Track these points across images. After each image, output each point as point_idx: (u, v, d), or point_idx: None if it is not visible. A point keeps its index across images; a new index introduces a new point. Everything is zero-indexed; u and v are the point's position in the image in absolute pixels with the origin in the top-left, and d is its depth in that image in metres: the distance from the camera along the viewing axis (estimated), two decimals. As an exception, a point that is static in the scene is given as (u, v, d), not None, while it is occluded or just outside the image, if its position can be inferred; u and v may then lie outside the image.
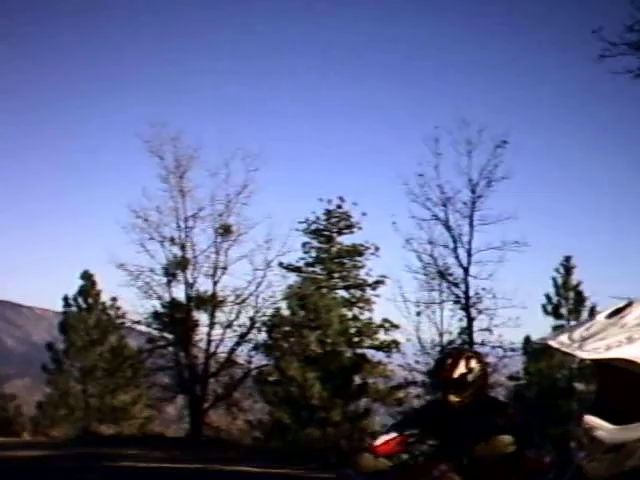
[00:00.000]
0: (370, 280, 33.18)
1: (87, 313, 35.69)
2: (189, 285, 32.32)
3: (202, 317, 32.33)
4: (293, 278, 32.89)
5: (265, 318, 32.08)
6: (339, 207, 33.87)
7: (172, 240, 32.34)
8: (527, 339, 27.96)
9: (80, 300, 36.67)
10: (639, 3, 20.41)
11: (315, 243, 34.02)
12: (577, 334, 2.02)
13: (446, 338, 29.52)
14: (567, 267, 30.37)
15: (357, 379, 29.71)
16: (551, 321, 29.17)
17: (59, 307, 37.79)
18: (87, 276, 38.35)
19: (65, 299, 37.09)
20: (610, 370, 2.03)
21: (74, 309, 36.19)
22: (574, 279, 30.22)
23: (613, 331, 2.01)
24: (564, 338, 2.03)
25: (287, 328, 31.40)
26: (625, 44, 20.56)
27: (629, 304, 2.09)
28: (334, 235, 33.92)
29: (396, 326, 31.20)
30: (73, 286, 37.98)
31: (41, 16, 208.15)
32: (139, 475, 21.97)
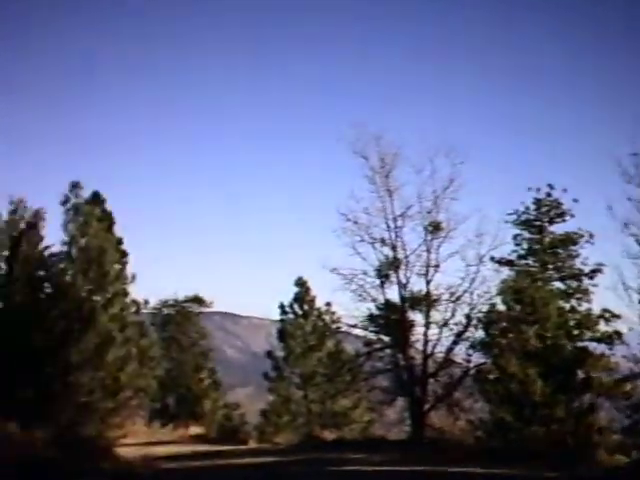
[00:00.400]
0: (586, 269, 32.04)
1: (303, 319, 36.52)
2: (402, 285, 32.34)
3: (417, 317, 32.27)
4: (506, 272, 32.13)
5: (481, 315, 31.59)
6: (549, 195, 32.82)
7: (382, 241, 32.43)
8: None
9: (296, 307, 37.56)
10: None
11: (526, 234, 33.09)
12: None
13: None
14: None
15: (580, 373, 28.78)
16: None
17: (276, 315, 38.77)
18: (301, 283, 39.23)
19: (281, 307, 38.10)
20: None
21: (290, 316, 37.11)
22: None
23: None
24: None
25: (504, 324, 30.76)
26: None
27: None
28: (545, 225, 32.95)
29: (617, 316, 29.90)
30: (289, 293, 38.90)
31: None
32: (365, 478, 22.11)
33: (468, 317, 31.53)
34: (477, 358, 31.44)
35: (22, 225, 25.60)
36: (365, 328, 32.93)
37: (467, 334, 31.51)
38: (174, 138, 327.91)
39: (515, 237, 32.93)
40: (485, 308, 31.62)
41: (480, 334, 31.52)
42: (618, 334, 29.78)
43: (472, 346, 31.39)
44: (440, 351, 31.76)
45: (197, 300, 44.19)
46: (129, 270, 29.49)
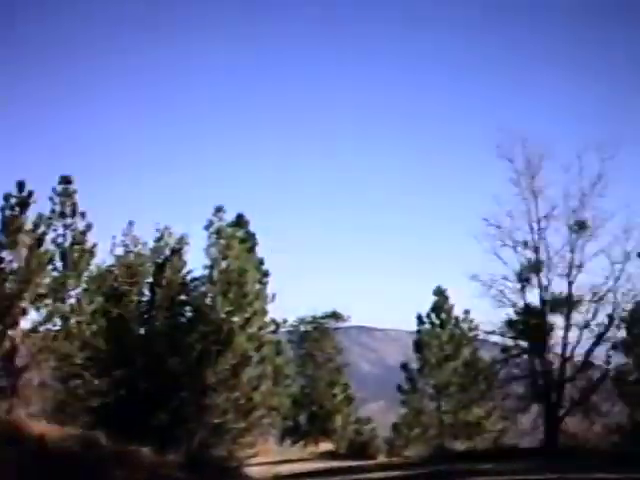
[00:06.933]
0: None
1: (440, 329, 36.62)
2: (543, 288, 32.09)
3: (557, 320, 31.89)
4: (652, 268, 31.55)
5: (624, 314, 31.15)
6: None
7: (525, 244, 32.38)
8: None
9: (433, 316, 37.71)
10: None
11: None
12: None
13: None
14: None
15: None
16: None
17: (413, 327, 39.07)
18: (440, 292, 39.39)
19: (419, 317, 38.29)
20: None
21: (427, 326, 37.29)
22: None
23: None
24: None
25: (649, 323, 30.30)
26: None
27: None
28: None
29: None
30: (426, 304, 39.12)
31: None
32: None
33: (610, 317, 31.04)
34: (618, 359, 31.09)
35: (167, 252, 26.72)
36: (503, 334, 32.82)
37: (608, 335, 30.99)
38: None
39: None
40: (629, 307, 31.20)
41: (622, 334, 31.18)
42: None
43: (613, 347, 30.97)
44: (579, 354, 31.26)
45: (334, 315, 44.98)
46: (269, 289, 30.96)
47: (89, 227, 25.61)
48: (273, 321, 31.90)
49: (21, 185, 24.29)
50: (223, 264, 27.36)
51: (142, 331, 26.31)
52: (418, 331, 38.71)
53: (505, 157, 32.28)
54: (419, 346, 38.05)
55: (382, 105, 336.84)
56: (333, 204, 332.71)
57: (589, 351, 31.18)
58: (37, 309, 24.69)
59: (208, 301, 26.95)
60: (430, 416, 35.97)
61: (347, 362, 44.48)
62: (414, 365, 38.36)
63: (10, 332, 24.00)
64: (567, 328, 31.41)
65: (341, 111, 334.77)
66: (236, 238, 27.96)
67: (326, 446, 36.06)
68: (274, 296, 30.89)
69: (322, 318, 45.16)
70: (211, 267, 27.30)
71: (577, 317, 31.42)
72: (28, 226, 24.47)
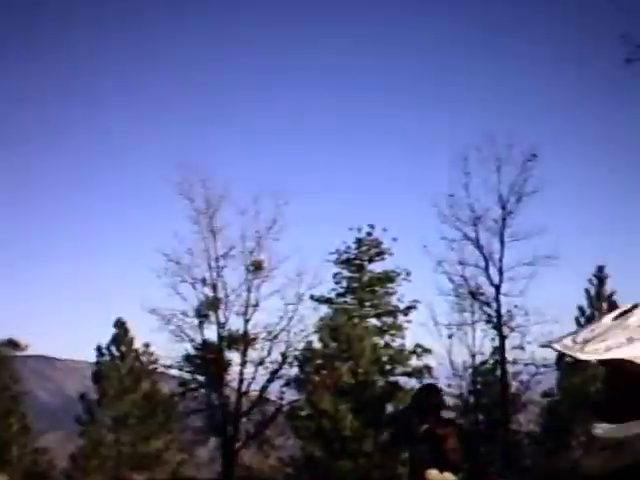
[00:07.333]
0: (402, 306, 33.87)
1: (120, 361, 36.95)
2: (221, 325, 33.27)
3: (234, 356, 33.24)
4: (325, 310, 33.69)
5: (297, 352, 32.96)
6: (369, 234, 34.56)
7: (204, 281, 33.38)
8: (560, 355, 28.51)
9: (113, 348, 38.00)
10: None
11: (346, 273, 34.64)
12: (581, 336, 2.09)
13: (478, 359, 30.48)
14: (600, 277, 31.03)
15: (389, 407, 30.52)
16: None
17: (93, 357, 39.10)
18: (120, 324, 39.71)
19: (98, 349, 38.47)
20: (613, 371, 2.12)
21: (107, 358, 37.54)
22: (607, 289, 30.89)
23: (615, 332, 2.07)
24: (568, 341, 2.09)
25: (319, 361, 32.26)
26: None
27: (635, 306, 2.16)
28: (365, 263, 34.62)
29: (428, 350, 32.00)
30: (107, 335, 39.34)
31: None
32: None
33: (284, 355, 32.73)
34: (291, 395, 32.80)
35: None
36: (181, 368, 33.88)
37: (282, 372, 32.73)
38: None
39: (335, 275, 34.54)
40: (301, 346, 33.08)
41: (295, 371, 32.99)
42: (428, 368, 31.87)
43: (286, 383, 32.70)
44: (255, 389, 32.79)
45: (12, 344, 44.06)
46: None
47: None
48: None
49: None
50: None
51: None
52: (97, 362, 38.90)
53: (185, 195, 33.25)
54: (98, 377, 38.21)
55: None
56: None
57: (264, 387, 32.73)
58: None
59: None
60: (109, 447, 36.17)
61: (25, 391, 43.58)
62: (93, 396, 38.44)
63: None
64: (243, 364, 32.76)
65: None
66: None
67: (1, 478, 35.26)
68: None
69: (-1, 346, 44.02)
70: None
71: (253, 354, 32.95)
72: None
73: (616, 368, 2.08)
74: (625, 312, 2.12)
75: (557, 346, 2.07)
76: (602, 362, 2.11)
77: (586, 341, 2.05)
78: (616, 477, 2.04)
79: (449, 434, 8.26)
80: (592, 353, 2.01)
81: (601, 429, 2.07)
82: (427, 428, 8.25)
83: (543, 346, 2.18)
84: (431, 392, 9.08)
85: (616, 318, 2.11)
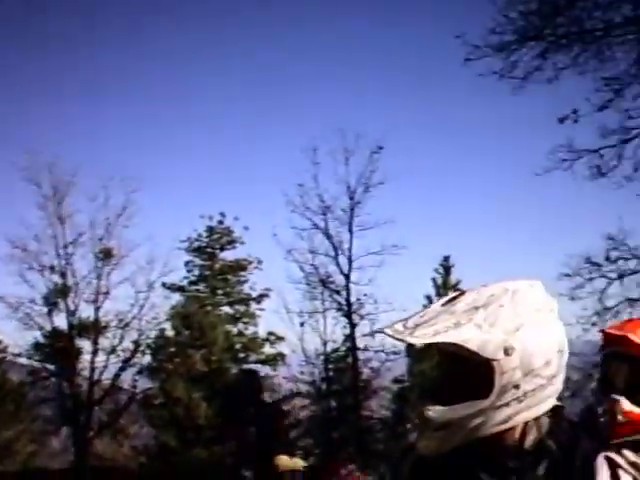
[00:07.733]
0: (254, 294, 34.33)
1: (-34, 350, 36.20)
2: (71, 313, 32.79)
3: (85, 344, 32.93)
4: (177, 298, 33.84)
5: (149, 340, 33.00)
6: (221, 223, 34.72)
7: (52, 268, 32.81)
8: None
9: (-42, 337, 37.20)
10: (500, 6, 22.34)
11: (198, 261, 34.82)
12: (411, 321, 2.17)
13: (330, 346, 31.27)
14: (446, 267, 32.27)
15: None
16: (430, 321, 30.74)
17: None
18: (-35, 312, 38.82)
19: (-57, 337, 37.58)
20: (442, 355, 2.23)
21: (-49, 346, 36.71)
22: (453, 278, 32.16)
23: (443, 317, 2.16)
24: (399, 326, 2.17)
25: (172, 349, 32.36)
26: (488, 46, 22.46)
27: (462, 293, 2.26)
28: (217, 252, 34.82)
29: (281, 338, 32.57)
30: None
31: None
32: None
33: (136, 343, 32.68)
34: (144, 384, 32.90)
35: None
36: (30, 357, 33.32)
37: (135, 360, 32.73)
38: None
39: (187, 263, 34.70)
40: (154, 334, 33.12)
41: (148, 360, 33.06)
42: (281, 356, 32.52)
43: (139, 372, 32.74)
44: (107, 378, 32.60)
45: None
46: None
47: None
48: None
49: None
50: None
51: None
52: (-59, 351, 38.01)
53: (32, 181, 32.67)
54: (-57, 367, 37.40)
55: None
56: None
57: (116, 375, 32.59)
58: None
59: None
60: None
61: None
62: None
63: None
64: (95, 352, 32.50)
65: None
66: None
67: None
68: None
69: None
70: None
71: (104, 342, 32.73)
72: None
73: (444, 352, 2.20)
74: (453, 298, 2.23)
75: (389, 331, 2.16)
76: (436, 347, 2.22)
77: (416, 326, 2.14)
78: (450, 457, 2.22)
79: (282, 415, 8.74)
80: (421, 337, 2.10)
81: (433, 411, 2.17)
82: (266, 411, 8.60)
83: (377, 332, 2.33)
84: (254, 378, 9.49)
85: (445, 304, 2.21)
